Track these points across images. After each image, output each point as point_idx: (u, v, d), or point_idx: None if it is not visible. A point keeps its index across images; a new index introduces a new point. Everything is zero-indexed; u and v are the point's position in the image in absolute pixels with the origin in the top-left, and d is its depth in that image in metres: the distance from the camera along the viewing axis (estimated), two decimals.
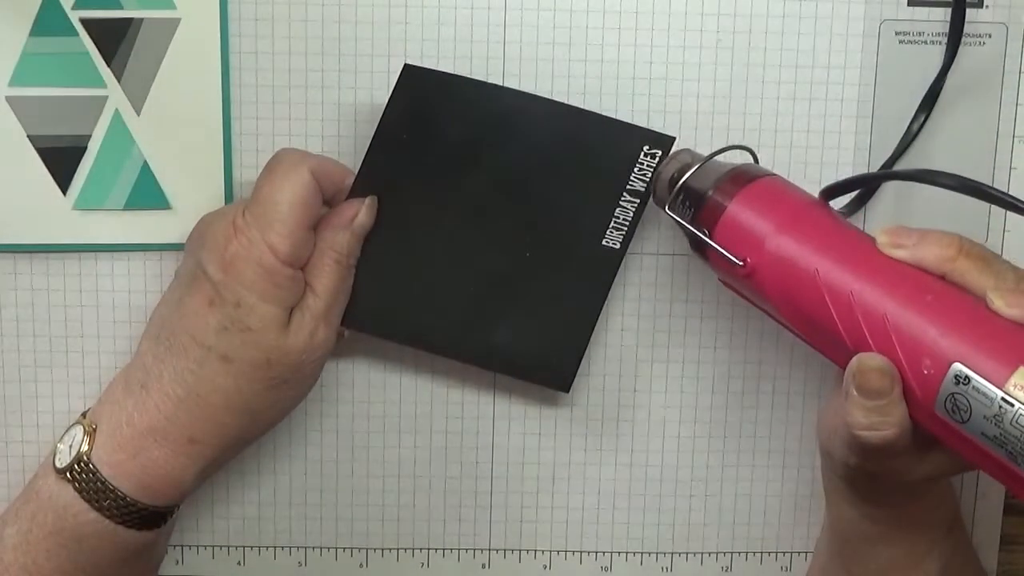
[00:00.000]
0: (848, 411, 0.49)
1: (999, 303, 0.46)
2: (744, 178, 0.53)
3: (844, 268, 0.49)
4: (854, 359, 0.48)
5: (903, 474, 0.51)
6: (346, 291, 0.57)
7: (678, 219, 0.55)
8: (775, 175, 0.54)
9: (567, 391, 0.60)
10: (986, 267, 0.48)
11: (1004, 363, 0.44)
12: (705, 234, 0.53)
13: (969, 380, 0.45)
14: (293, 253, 0.54)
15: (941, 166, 0.61)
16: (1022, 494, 0.46)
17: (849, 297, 0.49)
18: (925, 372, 0.46)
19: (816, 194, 0.55)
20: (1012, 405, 0.44)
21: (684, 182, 0.55)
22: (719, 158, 0.56)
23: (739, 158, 0.56)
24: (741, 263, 0.52)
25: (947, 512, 0.57)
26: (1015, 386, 0.44)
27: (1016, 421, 0.44)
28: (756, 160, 0.57)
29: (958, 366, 0.45)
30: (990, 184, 0.60)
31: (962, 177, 0.49)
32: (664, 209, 0.56)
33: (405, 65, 0.58)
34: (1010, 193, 0.48)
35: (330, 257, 0.56)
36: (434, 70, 0.58)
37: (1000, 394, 0.44)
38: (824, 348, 0.51)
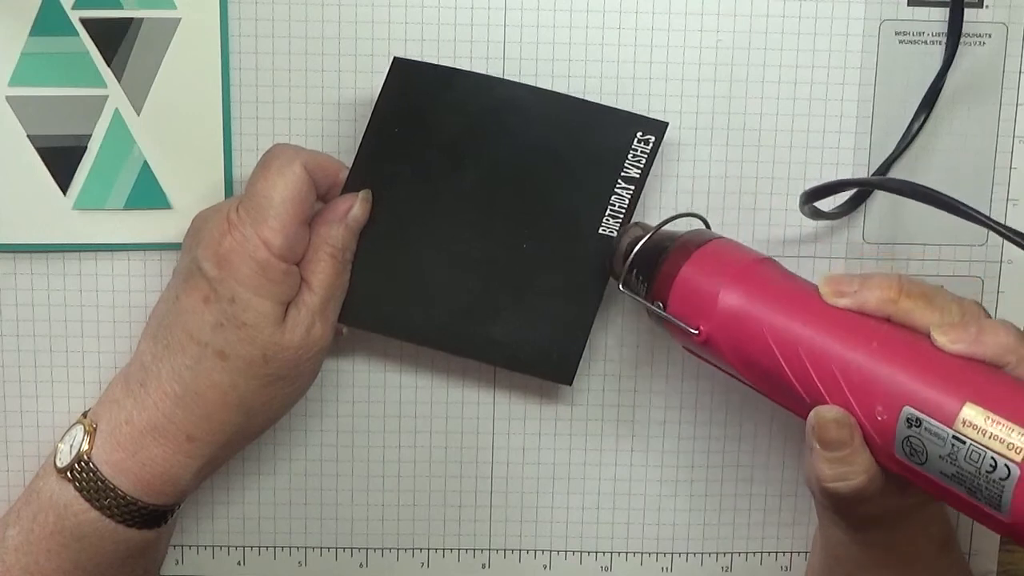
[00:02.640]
0: (814, 466, 0.49)
1: (942, 340, 0.47)
2: (690, 246, 0.54)
3: (791, 323, 0.50)
4: (811, 413, 0.48)
5: (889, 508, 0.51)
6: (342, 286, 0.57)
7: (632, 295, 0.56)
8: (721, 238, 0.55)
9: (570, 383, 0.60)
10: (928, 304, 0.48)
11: (951, 401, 0.45)
12: (660, 307, 0.54)
13: (921, 422, 0.45)
14: (287, 248, 0.54)
15: (941, 166, 0.61)
16: (990, 526, 0.46)
17: (798, 351, 0.49)
18: (879, 418, 0.47)
19: (798, 199, 0.55)
20: (963, 442, 0.44)
21: (634, 256, 0.55)
22: (672, 226, 0.56)
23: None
24: (696, 331, 0.52)
25: (939, 529, 0.57)
26: (963, 423, 0.44)
27: (969, 457, 0.44)
28: (707, 224, 0.58)
29: (908, 409, 0.45)
30: (990, 195, 0.61)
31: (912, 183, 0.50)
32: (619, 287, 0.56)
33: (395, 59, 0.58)
34: (962, 202, 0.48)
35: (325, 252, 0.56)
36: (423, 62, 0.58)
37: (951, 432, 0.44)
38: (788, 405, 0.52)
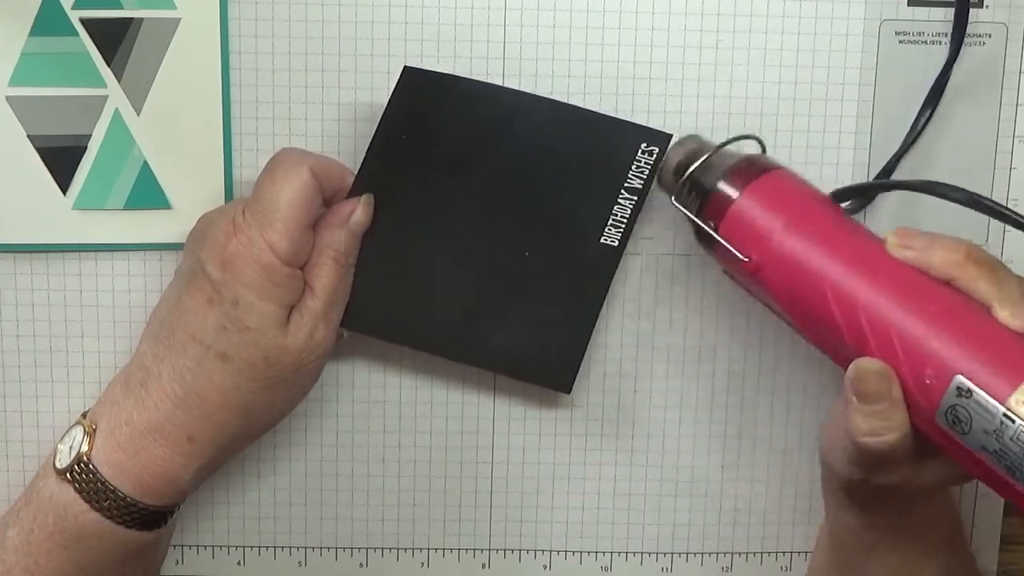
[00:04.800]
0: (849, 418, 0.49)
1: (1004, 313, 0.46)
2: (752, 171, 0.52)
3: (851, 272, 0.49)
4: (852, 366, 0.48)
5: (904, 485, 0.51)
6: (345, 291, 0.57)
7: (684, 210, 0.54)
8: (783, 168, 0.53)
9: (568, 392, 0.60)
10: (993, 276, 0.47)
11: (1008, 378, 0.44)
12: (711, 227, 0.52)
13: (971, 393, 0.45)
14: (292, 252, 0.54)
15: (942, 166, 0.61)
16: (1020, 505, 0.46)
17: (855, 302, 0.48)
18: (928, 382, 0.46)
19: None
20: (1013, 421, 0.44)
21: (691, 173, 0.54)
22: (728, 147, 0.55)
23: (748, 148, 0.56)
24: (746, 259, 0.51)
25: (947, 522, 0.57)
26: (1018, 402, 0.44)
27: (1017, 437, 0.44)
28: (764, 150, 0.56)
29: (961, 378, 0.45)
30: (990, 195, 0.61)
31: (970, 192, 0.49)
32: (671, 199, 0.55)
33: (405, 67, 0.58)
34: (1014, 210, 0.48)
35: (328, 256, 0.56)
36: (434, 71, 0.58)
37: (1002, 409, 0.44)
38: (826, 348, 0.51)
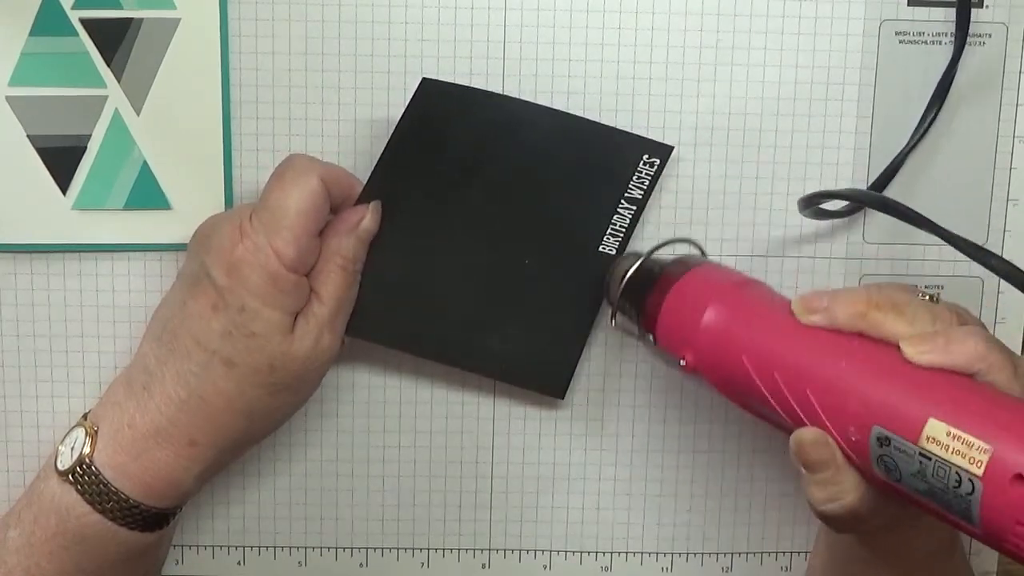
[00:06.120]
0: (805, 490, 0.49)
1: (910, 351, 0.45)
2: (674, 275, 0.53)
3: (766, 346, 0.49)
4: (791, 438, 0.48)
5: (893, 518, 0.51)
6: (351, 298, 0.57)
7: (626, 329, 0.56)
8: (705, 263, 0.54)
9: (562, 397, 0.61)
10: (898, 315, 0.47)
11: (915, 418, 0.43)
12: (650, 339, 0.53)
13: (890, 440, 0.44)
14: (299, 259, 0.54)
15: (941, 166, 0.61)
16: (970, 535, 0.44)
17: (774, 375, 0.48)
18: (853, 439, 0.46)
19: (796, 203, 0.56)
20: (929, 459, 0.43)
21: (624, 287, 0.55)
22: (673, 248, 0.57)
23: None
24: (682, 362, 0.52)
25: (946, 532, 0.57)
26: (927, 439, 0.43)
27: (936, 473, 0.43)
28: (700, 247, 0.58)
29: (877, 428, 0.45)
30: (990, 195, 0.61)
31: (887, 200, 0.51)
32: (611, 323, 0.57)
33: (423, 79, 0.58)
34: (934, 222, 0.48)
35: (335, 263, 0.56)
36: (450, 83, 0.59)
37: (917, 449, 0.43)
38: (778, 425, 0.51)
